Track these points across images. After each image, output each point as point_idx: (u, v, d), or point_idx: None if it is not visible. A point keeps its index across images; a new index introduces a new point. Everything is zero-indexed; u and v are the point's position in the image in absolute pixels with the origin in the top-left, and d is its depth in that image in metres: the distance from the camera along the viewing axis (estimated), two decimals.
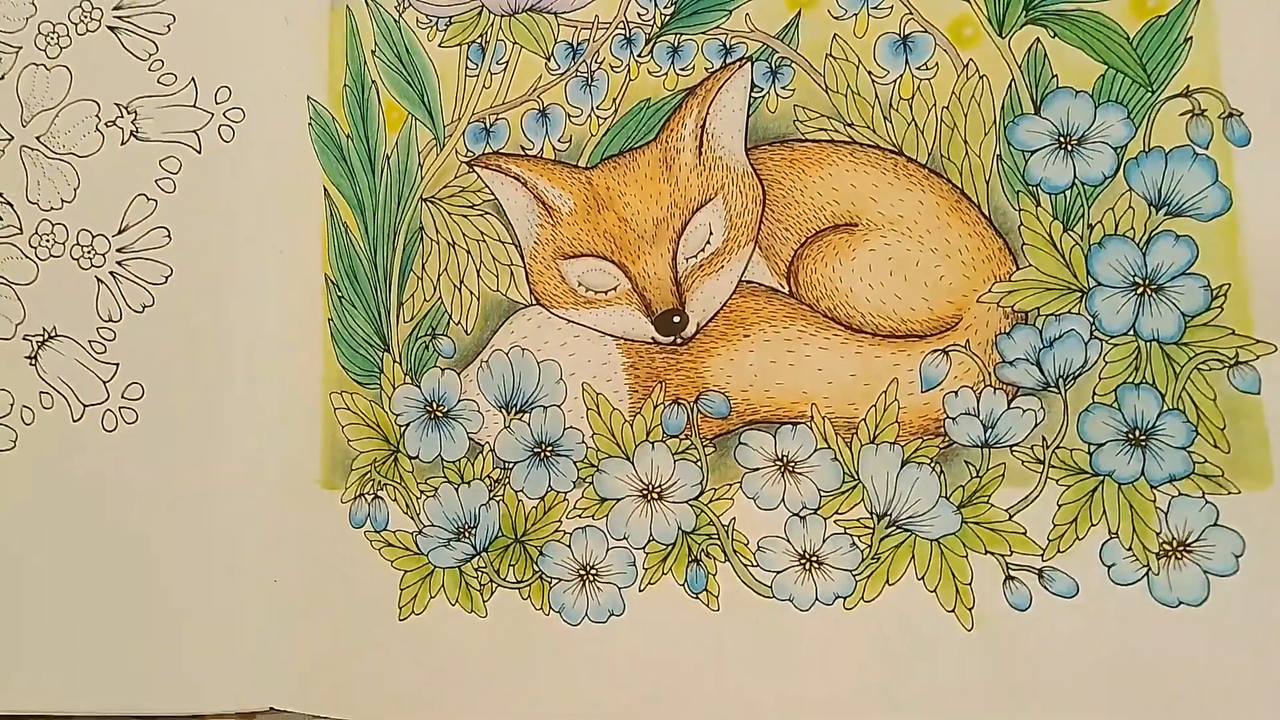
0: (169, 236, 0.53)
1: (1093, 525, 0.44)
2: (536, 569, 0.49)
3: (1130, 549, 0.43)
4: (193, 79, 0.54)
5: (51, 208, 0.53)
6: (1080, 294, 0.45)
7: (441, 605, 0.50)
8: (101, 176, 0.54)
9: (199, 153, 0.54)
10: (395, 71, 0.53)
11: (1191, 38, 0.46)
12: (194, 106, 0.54)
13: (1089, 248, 0.45)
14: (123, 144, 0.54)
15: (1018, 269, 0.46)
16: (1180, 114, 0.46)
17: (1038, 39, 0.47)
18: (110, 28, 0.54)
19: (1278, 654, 0.41)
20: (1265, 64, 0.45)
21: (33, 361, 0.53)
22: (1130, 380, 0.44)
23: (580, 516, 0.49)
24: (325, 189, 0.53)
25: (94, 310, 0.53)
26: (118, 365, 0.53)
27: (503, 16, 0.52)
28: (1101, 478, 0.44)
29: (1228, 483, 0.43)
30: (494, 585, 0.49)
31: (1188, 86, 0.45)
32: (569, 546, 0.49)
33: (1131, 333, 0.45)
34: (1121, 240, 0.45)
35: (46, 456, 0.52)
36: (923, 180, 0.47)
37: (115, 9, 0.55)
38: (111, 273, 0.53)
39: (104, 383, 0.53)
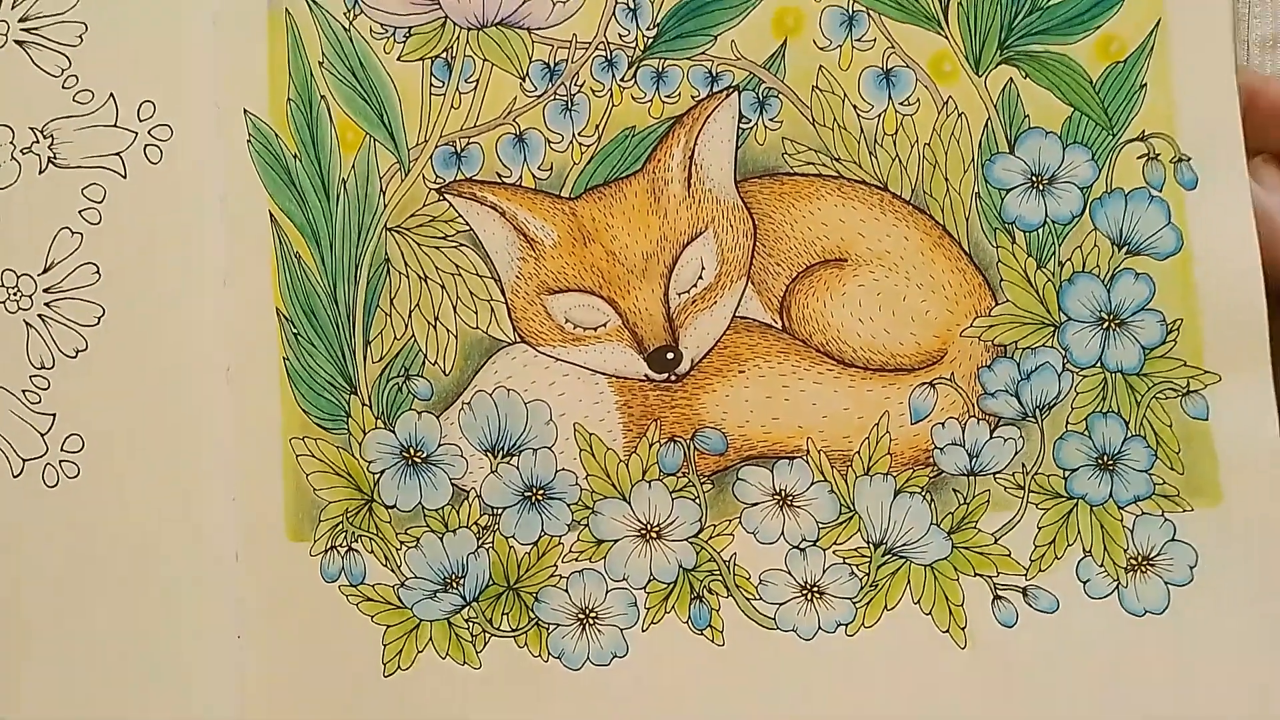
0: (98, 273, 0.47)
1: (1069, 545, 0.47)
2: (533, 616, 0.48)
3: (1102, 565, 0.47)
4: (111, 94, 0.47)
5: None
6: (1053, 328, 0.48)
7: (431, 659, 0.48)
8: (21, 210, 0.47)
9: (124, 177, 0.47)
10: (348, 86, 0.48)
11: (1146, 84, 0.48)
12: (115, 126, 0.47)
13: (1060, 284, 0.48)
14: (40, 172, 0.46)
15: (996, 304, 0.48)
16: (1138, 157, 0.48)
17: (1011, 79, 0.49)
18: (18, 42, 0.46)
19: (1229, 653, 0.47)
20: (1212, 111, 0.48)
21: None
22: (1099, 409, 0.48)
23: (577, 560, 0.48)
24: (271, 214, 0.48)
25: (24, 357, 0.46)
26: (54, 416, 0.46)
27: (469, 30, 0.48)
28: (1076, 500, 0.48)
29: (1183, 501, 0.47)
30: (487, 635, 0.48)
31: (1143, 131, 0.48)
32: (566, 591, 0.48)
33: (1099, 365, 0.48)
34: (1089, 277, 0.48)
35: None
36: (907, 216, 0.48)
37: (21, 21, 0.46)
38: (40, 315, 0.46)
39: (41, 435, 0.46)
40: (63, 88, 0.47)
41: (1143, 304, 0.48)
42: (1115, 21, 0.49)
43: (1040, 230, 0.48)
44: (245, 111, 0.47)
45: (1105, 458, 0.48)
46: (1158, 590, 0.47)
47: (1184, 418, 0.48)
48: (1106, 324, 0.48)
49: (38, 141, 0.46)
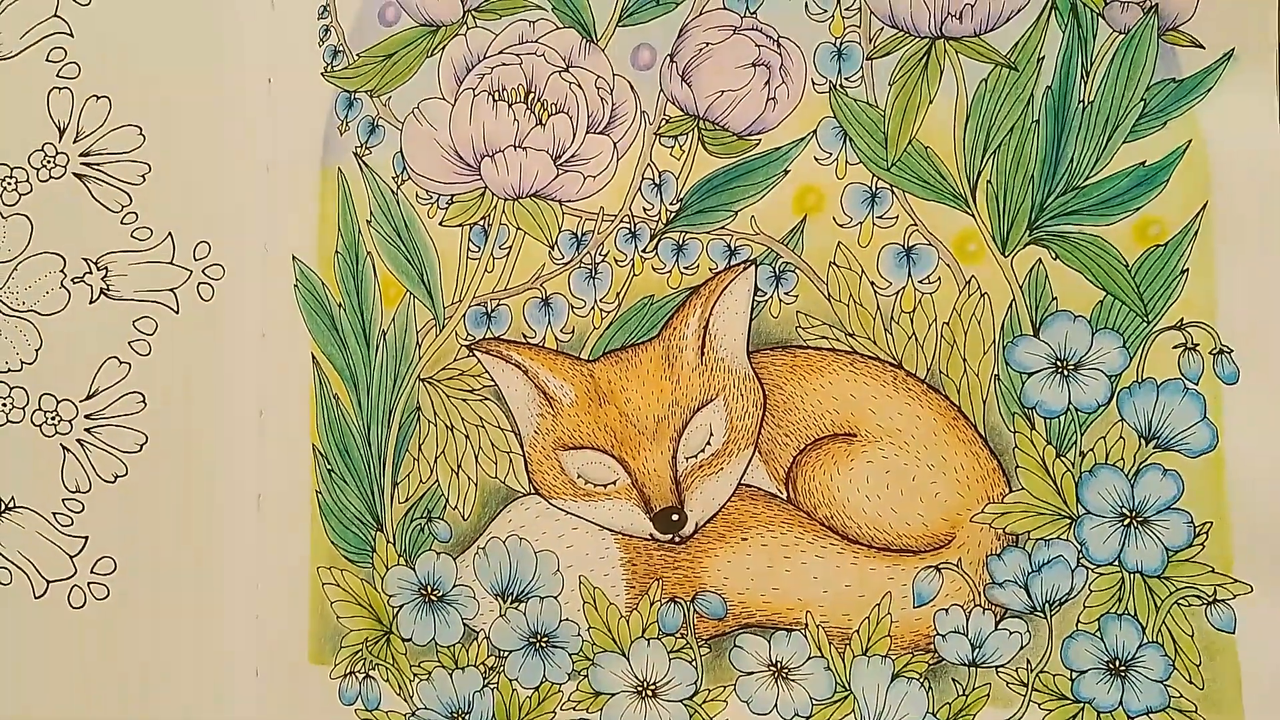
0: (144, 402, 0.50)
1: None
2: None
3: None
4: (170, 234, 0.51)
5: (9, 369, 0.49)
6: (1069, 521, 0.45)
7: None
8: (67, 337, 0.50)
9: (176, 312, 0.50)
10: (393, 246, 0.50)
11: (1188, 269, 0.45)
12: (171, 263, 0.50)
13: (1080, 475, 0.45)
14: (91, 302, 0.50)
15: (1010, 491, 0.46)
16: (1174, 346, 0.45)
17: (1040, 260, 0.46)
18: (77, 175, 0.50)
19: None
20: (1258, 301, 0.45)
21: None
22: (1113, 610, 0.44)
23: (575, 709, 0.48)
24: (314, 356, 0.51)
25: (59, 480, 0.50)
26: (86, 538, 0.50)
27: (506, 200, 0.49)
28: (1082, 704, 0.44)
29: (1200, 718, 0.43)
30: None
31: (1181, 319, 0.45)
32: None
33: (1117, 563, 0.45)
34: (1112, 470, 0.45)
35: (4, 635, 0.49)
36: (921, 395, 0.47)
37: (83, 155, 0.51)
38: (79, 440, 0.50)
39: (70, 557, 0.50)
40: (121, 223, 0.50)
41: (1169, 503, 0.45)
42: (1157, 203, 0.46)
43: (1062, 417, 0.46)
44: (294, 258, 0.50)
45: (1117, 662, 0.44)
46: None
47: (1207, 628, 0.44)
48: (1128, 521, 0.45)
49: (90, 272, 0.49)
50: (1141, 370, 0.45)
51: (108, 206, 0.49)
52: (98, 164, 0.49)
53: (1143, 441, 0.44)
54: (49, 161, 0.49)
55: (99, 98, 0.49)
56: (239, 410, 0.49)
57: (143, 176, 0.49)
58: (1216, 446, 0.44)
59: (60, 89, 0.49)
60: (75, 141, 0.49)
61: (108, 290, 0.49)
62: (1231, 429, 0.44)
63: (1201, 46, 0.45)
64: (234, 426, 0.49)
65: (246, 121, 0.51)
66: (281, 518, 0.49)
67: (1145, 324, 0.45)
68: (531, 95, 0.48)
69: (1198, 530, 0.44)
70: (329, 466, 0.49)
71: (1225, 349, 0.44)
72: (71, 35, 0.49)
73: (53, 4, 0.49)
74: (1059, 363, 0.45)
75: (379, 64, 0.50)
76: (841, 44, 0.47)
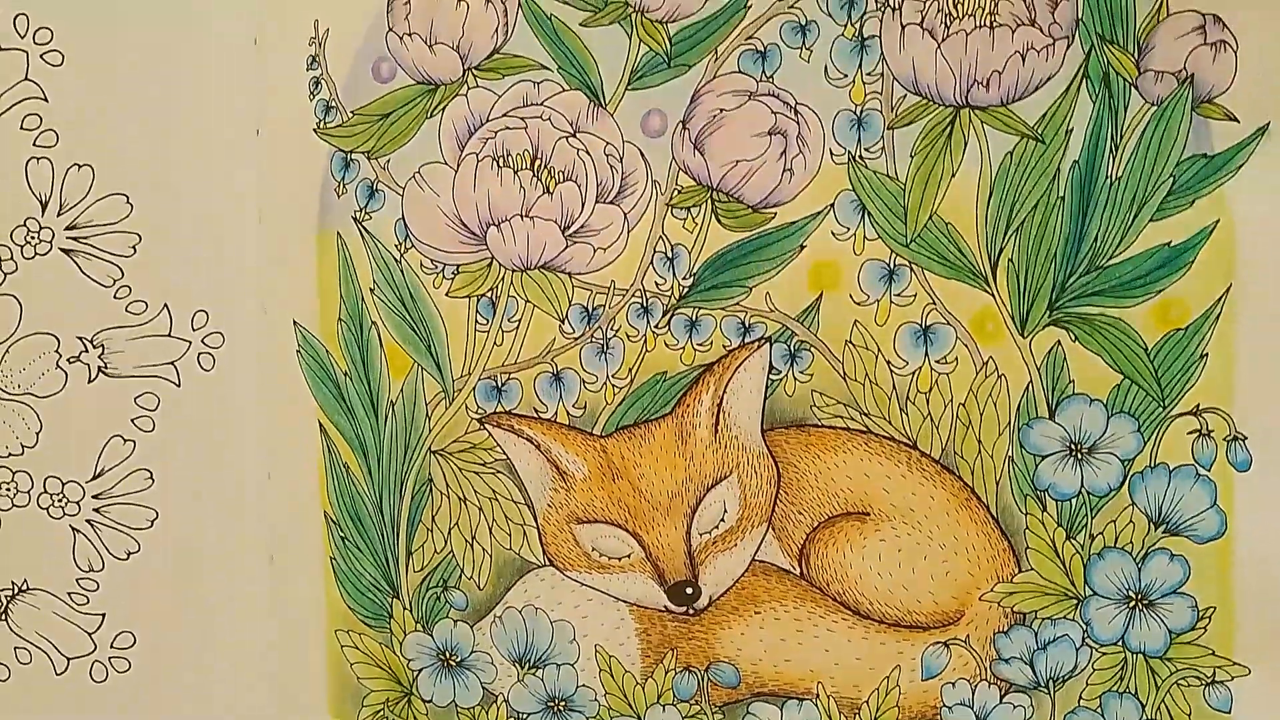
0: (151, 479, 0.49)
1: None
2: None
3: None
4: (165, 305, 0.48)
5: (10, 453, 0.48)
6: (1076, 602, 0.45)
7: None
8: (68, 418, 0.48)
9: (178, 386, 0.49)
10: (398, 316, 0.49)
11: (1207, 354, 0.44)
12: (169, 335, 0.49)
13: (1089, 557, 0.45)
14: (90, 381, 0.48)
15: (1020, 570, 0.46)
16: (1188, 432, 0.45)
17: (1059, 341, 0.45)
18: (64, 250, 0.47)
19: None
20: (1276, 388, 0.44)
21: (3, 618, 0.49)
22: (1115, 689, 0.45)
23: None
24: (321, 424, 0.49)
25: (70, 560, 0.49)
26: (103, 615, 0.49)
27: (514, 271, 0.47)
28: None
29: None
30: None
31: (1198, 405, 0.44)
32: None
33: (1121, 643, 0.45)
34: (1120, 553, 0.45)
35: (29, 712, 0.49)
36: (935, 475, 0.46)
37: (68, 229, 0.47)
38: (89, 521, 0.49)
39: (89, 634, 0.49)
40: (115, 298, 0.46)
41: (1175, 587, 0.45)
42: (1180, 285, 0.44)
43: (1074, 500, 0.45)
44: (295, 323, 0.49)
45: None
46: None
47: (1205, 708, 0.45)
48: (1134, 603, 0.45)
49: (86, 350, 0.46)
50: (1155, 455, 0.44)
51: (99, 281, 0.47)
52: (85, 237, 0.47)
53: (1152, 526, 0.44)
54: (33, 237, 0.46)
55: (80, 166, 0.46)
56: (248, 475, 0.48)
57: (133, 247, 0.47)
58: (1225, 533, 0.44)
59: (39, 159, 0.46)
60: (59, 215, 0.46)
61: (105, 368, 0.47)
62: (1241, 516, 0.44)
63: (1236, 120, 0.43)
64: (244, 492, 0.48)
65: (236, 177, 0.48)
66: (296, 580, 0.49)
67: (1161, 409, 0.44)
68: (538, 162, 0.46)
69: (1201, 614, 0.44)
70: (341, 534, 0.49)
71: (1239, 436, 0.44)
72: (46, 100, 0.46)
73: (23, 67, 0.45)
74: (1073, 446, 0.45)
75: (375, 124, 0.47)
76: (862, 111, 0.45)
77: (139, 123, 0.46)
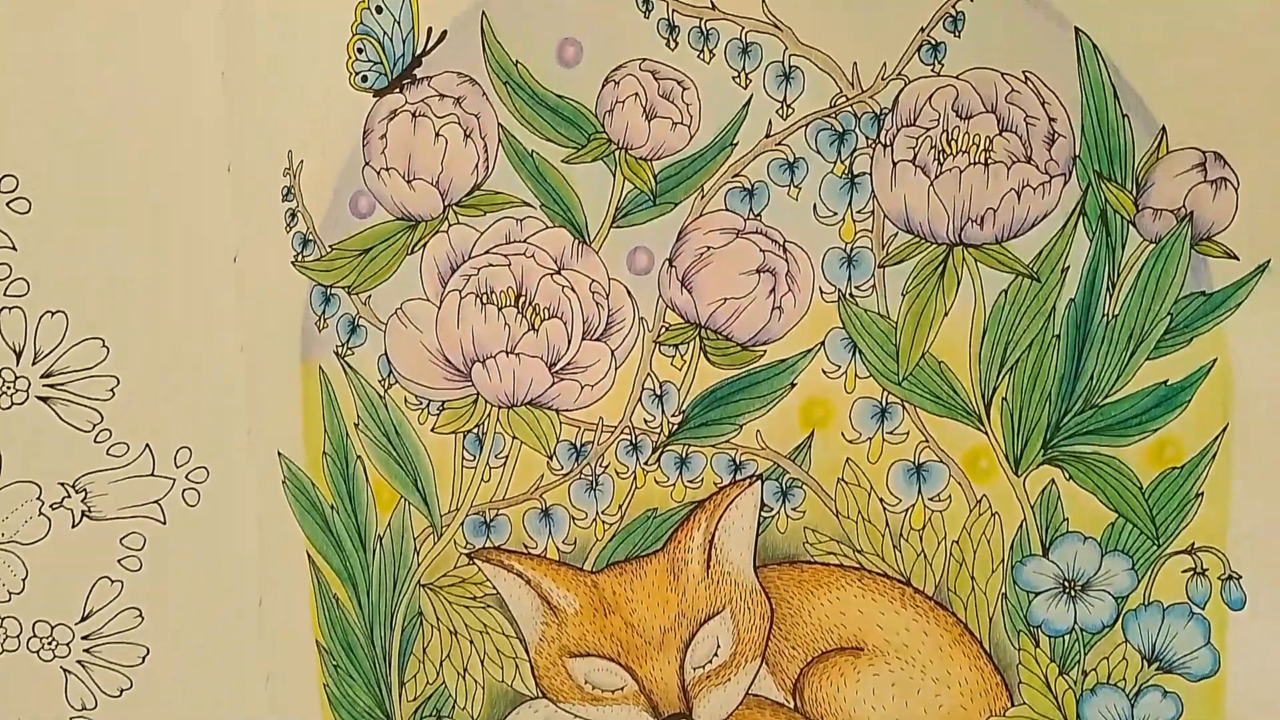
0: (141, 616, 0.49)
1: None
2: None
3: None
4: (147, 445, 0.47)
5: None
6: None
7: None
8: (54, 563, 0.47)
9: (164, 524, 0.48)
10: (384, 451, 0.48)
11: (1203, 493, 0.44)
12: (152, 475, 0.48)
13: (1081, 693, 0.45)
14: (74, 526, 0.47)
15: (1012, 705, 0.46)
16: (1183, 570, 0.44)
17: (1053, 480, 0.44)
18: (41, 398, 0.47)
19: None
20: (1271, 527, 0.43)
21: None
22: None
23: None
24: (309, 555, 0.49)
25: (63, 702, 0.49)
26: None
27: (500, 408, 0.47)
28: None
29: None
30: None
31: (1193, 544, 0.44)
32: None
33: None
34: (1113, 689, 0.45)
35: None
36: (928, 611, 0.46)
37: (44, 377, 0.46)
38: (79, 661, 0.48)
39: None
40: (95, 442, 0.46)
41: None
42: (1176, 424, 0.44)
43: (1067, 637, 0.45)
44: (280, 455, 0.48)
45: None
46: None
47: None
48: None
49: (69, 496, 0.46)
50: (1149, 593, 0.44)
51: (78, 427, 0.46)
52: (62, 384, 0.45)
53: (1145, 663, 0.44)
54: (9, 388, 0.45)
55: (54, 313, 0.45)
56: (239, 605, 0.48)
57: (111, 391, 0.46)
58: (1219, 671, 0.43)
59: (10, 309, 0.45)
60: (34, 363, 0.45)
61: (89, 512, 0.46)
62: (1234, 654, 0.43)
63: (1235, 258, 0.42)
64: (235, 621, 0.48)
65: (214, 307, 0.46)
66: (291, 708, 0.48)
67: (1156, 547, 0.43)
68: (523, 299, 0.45)
69: None
70: (334, 662, 0.48)
71: (1234, 575, 0.43)
72: (15, 249, 0.44)
73: None
74: (1067, 583, 0.44)
75: (355, 259, 0.46)
76: (852, 250, 0.43)
77: (111, 263, 0.45)
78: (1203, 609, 0.43)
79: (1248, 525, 0.43)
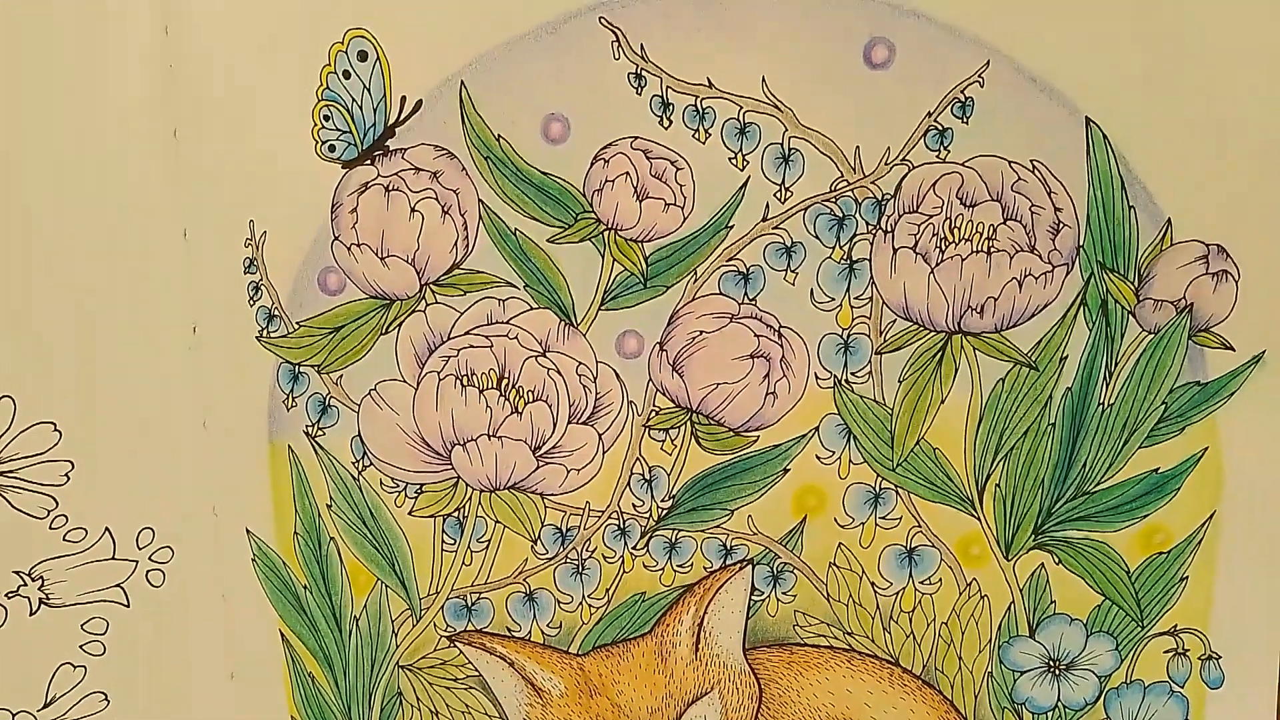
0: (106, 700, 0.46)
1: None
2: None
3: None
4: (106, 529, 0.45)
5: None
6: None
7: None
8: (12, 652, 0.44)
9: (127, 606, 0.46)
10: (359, 534, 0.45)
11: (1188, 577, 0.44)
12: (113, 559, 0.45)
13: None
14: (32, 614, 0.45)
15: None
16: (1164, 651, 0.44)
17: (1042, 564, 0.44)
18: None
19: None
20: (1252, 609, 0.44)
21: None
22: None
23: None
24: (282, 633, 0.47)
25: None
26: None
27: (482, 491, 0.45)
28: None
29: None
30: None
31: (1175, 625, 0.44)
32: None
33: None
34: None
35: None
36: (916, 690, 0.46)
37: None
38: None
39: None
40: (50, 529, 0.43)
41: None
42: (1165, 511, 0.43)
43: (1050, 714, 0.45)
44: (249, 532, 0.45)
45: None
46: None
47: None
48: None
49: (25, 584, 0.43)
50: (1131, 672, 0.44)
51: (32, 514, 0.42)
52: (12, 471, 0.42)
53: None
54: None
55: (2, 398, 0.42)
56: (209, 681, 0.45)
57: (65, 475, 0.43)
58: None
59: None
60: None
61: (47, 600, 0.43)
62: None
63: (1231, 348, 0.41)
64: (207, 698, 0.46)
65: (174, 381, 0.43)
66: None
67: (1139, 629, 0.44)
68: (505, 381, 0.42)
69: None
70: None
71: (1214, 655, 0.43)
72: None
73: None
74: (1052, 663, 0.44)
75: (325, 337, 0.43)
76: (849, 336, 0.42)
77: (61, 343, 0.42)
78: (1182, 687, 0.44)
79: (1230, 607, 0.43)
